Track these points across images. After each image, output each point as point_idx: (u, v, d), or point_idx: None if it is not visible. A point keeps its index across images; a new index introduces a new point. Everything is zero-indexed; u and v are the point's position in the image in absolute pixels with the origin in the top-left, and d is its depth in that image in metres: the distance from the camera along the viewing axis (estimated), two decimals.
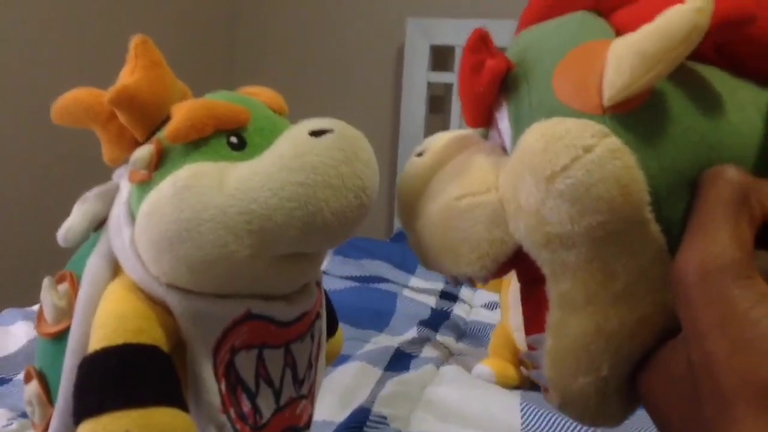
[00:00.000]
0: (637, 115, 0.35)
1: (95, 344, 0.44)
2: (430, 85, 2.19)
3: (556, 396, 0.39)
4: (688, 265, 0.32)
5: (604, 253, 0.35)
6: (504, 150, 0.41)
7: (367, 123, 2.27)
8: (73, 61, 1.68)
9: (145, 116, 0.47)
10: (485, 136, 0.45)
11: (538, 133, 0.36)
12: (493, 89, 0.40)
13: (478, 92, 0.40)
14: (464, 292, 1.50)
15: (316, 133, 0.45)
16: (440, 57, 2.21)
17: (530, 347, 0.41)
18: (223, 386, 0.47)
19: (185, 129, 0.45)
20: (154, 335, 0.44)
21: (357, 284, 1.48)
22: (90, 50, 1.65)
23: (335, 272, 1.54)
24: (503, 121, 0.40)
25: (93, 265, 0.47)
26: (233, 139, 0.46)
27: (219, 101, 0.47)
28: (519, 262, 0.39)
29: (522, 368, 1.03)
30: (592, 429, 0.82)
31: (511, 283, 1.06)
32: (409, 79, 2.20)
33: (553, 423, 0.84)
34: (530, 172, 0.35)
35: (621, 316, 0.36)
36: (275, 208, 0.43)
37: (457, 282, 0.45)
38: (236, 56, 2.44)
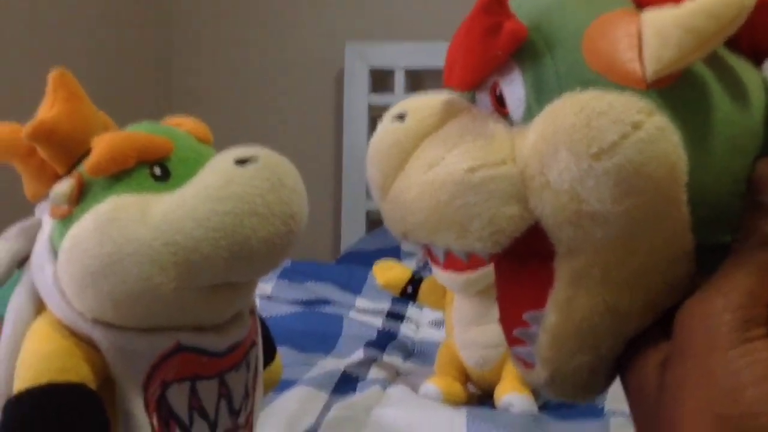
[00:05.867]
0: (674, 91, 0.33)
1: (20, 385, 0.43)
2: (371, 108, 2.20)
3: (546, 373, 0.38)
4: (694, 320, 0.33)
5: (632, 230, 0.34)
6: (502, 117, 0.38)
7: (310, 148, 2.28)
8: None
9: (65, 150, 0.46)
10: (472, 101, 0.42)
11: (576, 105, 0.33)
12: (509, 53, 0.37)
13: (493, 56, 0.37)
14: (411, 311, 1.50)
15: (241, 162, 0.45)
16: (380, 80, 2.22)
17: (524, 324, 0.39)
18: (155, 421, 0.46)
19: (106, 161, 0.45)
20: (80, 373, 0.43)
21: (302, 308, 1.47)
22: (17, 82, 1.62)
23: (280, 296, 1.53)
24: (512, 87, 0.38)
25: (16, 304, 0.46)
26: (157, 170, 0.46)
27: (141, 132, 0.47)
28: (526, 236, 0.36)
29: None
30: None
31: (455, 300, 1.06)
32: (349, 103, 2.21)
33: None
34: (569, 147, 0.33)
35: (632, 294, 0.35)
36: (201, 239, 0.43)
37: (444, 257, 0.41)
38: (173, 86, 2.41)
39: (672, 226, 0.34)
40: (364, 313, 1.48)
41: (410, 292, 1.14)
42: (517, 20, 0.36)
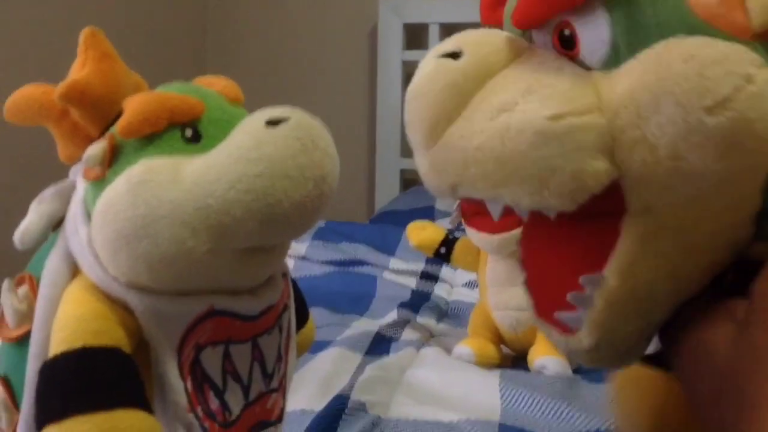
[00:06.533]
0: None
1: (55, 348, 0.43)
2: (405, 64, 2.17)
3: (593, 338, 0.36)
4: None
5: (720, 190, 0.31)
6: (568, 60, 0.36)
7: (343, 107, 2.27)
8: (32, 58, 1.65)
9: (98, 111, 0.46)
10: (529, 40, 0.39)
11: (685, 52, 0.30)
12: None
13: None
14: (445, 272, 1.50)
15: (273, 123, 0.44)
16: (414, 35, 2.20)
17: (578, 287, 0.36)
18: (189, 384, 0.46)
19: (138, 123, 0.44)
20: (114, 336, 0.43)
21: (336, 268, 1.47)
22: (51, 45, 1.63)
23: (314, 257, 1.53)
24: (593, 27, 0.34)
25: (51, 266, 0.46)
26: (188, 132, 0.45)
27: (172, 93, 0.46)
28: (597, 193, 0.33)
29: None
30: (566, 404, 0.82)
31: (489, 262, 1.05)
32: (383, 59, 2.19)
33: (533, 402, 0.84)
34: (676, 98, 0.30)
35: (698, 257, 0.34)
36: (233, 201, 0.42)
37: (502, 214, 0.37)
38: (207, 44, 2.41)
39: (750, 186, 0.32)
40: (398, 273, 1.48)
41: (443, 252, 1.13)
42: None
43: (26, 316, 0.47)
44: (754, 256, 0.33)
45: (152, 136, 0.45)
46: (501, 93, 0.35)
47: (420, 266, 1.51)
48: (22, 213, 0.48)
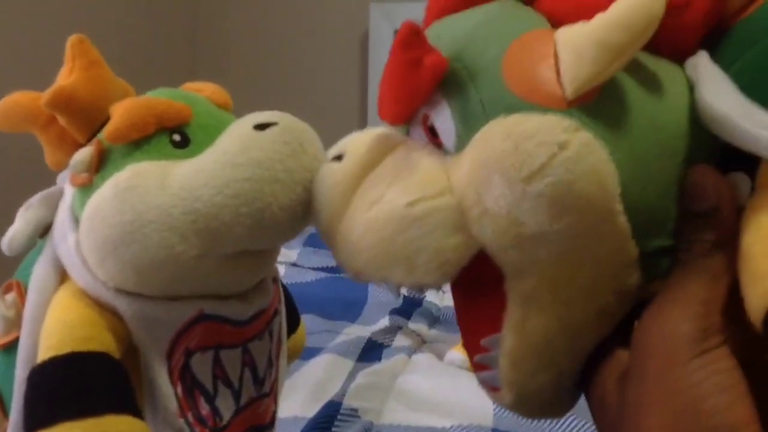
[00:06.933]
0: (597, 105, 0.34)
1: (43, 354, 0.43)
2: None
3: (511, 395, 0.38)
4: (652, 334, 0.33)
5: (574, 246, 0.34)
6: (437, 148, 0.39)
7: (334, 112, 2.27)
8: (21, 66, 1.65)
9: (84, 117, 0.46)
10: (407, 133, 0.42)
11: (503, 132, 0.33)
12: (433, 87, 0.37)
13: (417, 90, 0.38)
14: None
15: (261, 127, 0.44)
16: None
17: (483, 349, 0.39)
18: (179, 390, 0.46)
19: (125, 128, 0.44)
20: (103, 342, 0.43)
21: (328, 275, 1.47)
22: (41, 53, 1.62)
23: (305, 263, 1.53)
24: (441, 118, 0.38)
25: (39, 273, 0.46)
26: (176, 137, 0.45)
27: (159, 98, 0.46)
28: (475, 263, 0.36)
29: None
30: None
31: None
32: (375, 66, 2.19)
33: None
34: (501, 174, 0.33)
35: (584, 308, 0.35)
36: (221, 206, 0.42)
37: (399, 291, 0.41)
38: (198, 47, 2.41)
39: (612, 237, 0.34)
40: None
41: None
42: (438, 53, 0.36)
43: (14, 323, 0.47)
44: (650, 296, 0.35)
45: (140, 141, 0.45)
46: (372, 187, 0.39)
47: None
48: (10, 219, 0.48)
